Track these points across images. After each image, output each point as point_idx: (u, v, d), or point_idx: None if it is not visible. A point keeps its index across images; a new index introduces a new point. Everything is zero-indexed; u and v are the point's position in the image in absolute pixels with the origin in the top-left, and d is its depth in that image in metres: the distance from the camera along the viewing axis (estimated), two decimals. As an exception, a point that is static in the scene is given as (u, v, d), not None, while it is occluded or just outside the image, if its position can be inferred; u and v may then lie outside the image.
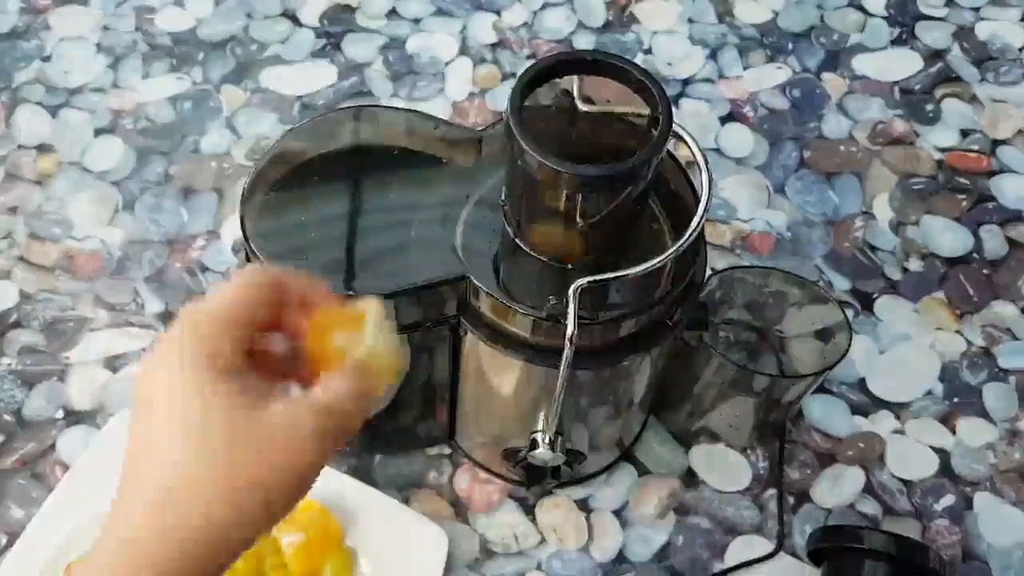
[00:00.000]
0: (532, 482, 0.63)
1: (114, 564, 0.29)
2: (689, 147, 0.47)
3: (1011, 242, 0.80)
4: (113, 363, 0.70)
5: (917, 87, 0.89)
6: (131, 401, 0.30)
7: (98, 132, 0.83)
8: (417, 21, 0.92)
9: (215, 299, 0.31)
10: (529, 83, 0.45)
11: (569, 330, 0.45)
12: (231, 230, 0.77)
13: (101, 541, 0.30)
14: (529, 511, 0.66)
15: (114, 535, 0.30)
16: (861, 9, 0.95)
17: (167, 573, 0.29)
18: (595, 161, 0.47)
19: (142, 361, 0.31)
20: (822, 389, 0.71)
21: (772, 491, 0.67)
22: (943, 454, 0.69)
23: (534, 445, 0.56)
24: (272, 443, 0.29)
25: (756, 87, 0.89)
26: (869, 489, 0.67)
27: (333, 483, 0.62)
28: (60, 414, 0.68)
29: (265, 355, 0.33)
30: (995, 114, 0.88)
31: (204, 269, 0.75)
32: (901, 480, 0.68)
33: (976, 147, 0.85)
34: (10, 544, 0.61)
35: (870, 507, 0.66)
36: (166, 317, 0.73)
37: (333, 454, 0.31)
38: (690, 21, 0.94)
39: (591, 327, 0.48)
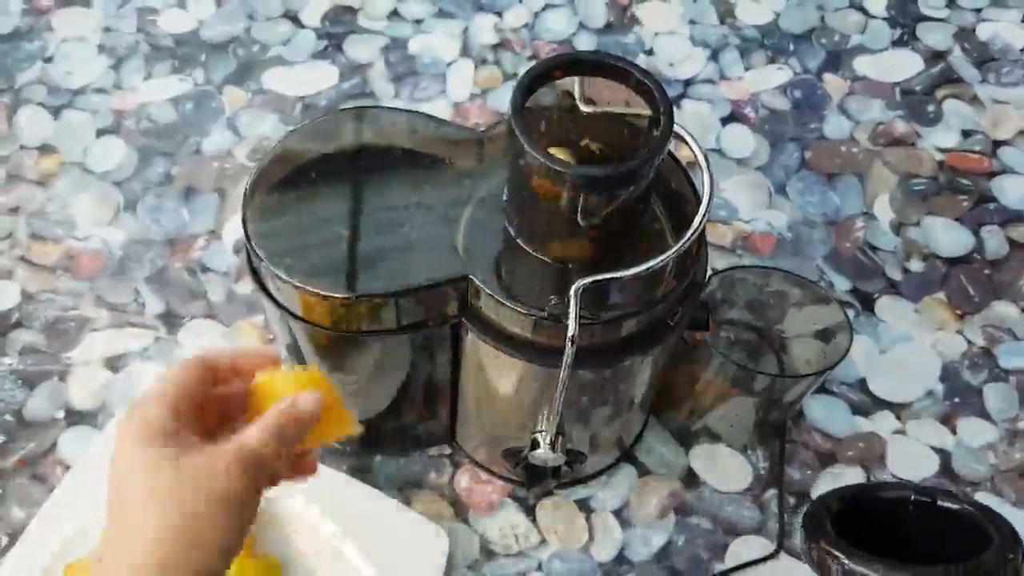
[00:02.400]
0: (533, 482, 0.63)
1: None
2: (690, 148, 0.47)
3: (1012, 242, 0.80)
4: (114, 363, 0.70)
5: (918, 88, 0.90)
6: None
7: (100, 133, 0.83)
8: (419, 22, 0.92)
9: (153, 388, 0.39)
10: (530, 84, 0.45)
11: (570, 330, 0.45)
12: (232, 230, 0.77)
13: None
14: (530, 511, 0.66)
15: None
16: (862, 10, 0.96)
17: None
18: (596, 162, 0.47)
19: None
20: (823, 389, 0.71)
21: (773, 491, 0.67)
22: (944, 454, 0.69)
23: (535, 445, 0.56)
24: (195, 477, 0.36)
25: (757, 88, 0.89)
26: (870, 489, 0.67)
27: (333, 483, 0.62)
28: (61, 414, 0.68)
29: (228, 404, 0.42)
30: (996, 115, 0.88)
31: (205, 269, 0.75)
32: (902, 480, 0.68)
33: (977, 148, 0.85)
34: (11, 544, 0.62)
35: (871, 507, 0.66)
36: (167, 317, 0.73)
37: (260, 486, 0.38)
38: (691, 22, 0.94)
39: (592, 327, 0.48)
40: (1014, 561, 0.50)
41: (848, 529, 0.54)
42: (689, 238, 0.46)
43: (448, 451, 0.68)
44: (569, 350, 0.46)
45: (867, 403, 0.71)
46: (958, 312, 0.76)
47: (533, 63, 0.47)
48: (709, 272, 0.56)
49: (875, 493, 0.57)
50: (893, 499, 0.56)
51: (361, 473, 0.66)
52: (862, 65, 0.91)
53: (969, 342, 0.74)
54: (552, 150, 0.44)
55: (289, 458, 0.42)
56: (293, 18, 0.92)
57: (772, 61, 0.91)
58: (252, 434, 0.38)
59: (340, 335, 0.51)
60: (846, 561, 0.51)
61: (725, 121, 0.86)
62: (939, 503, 0.55)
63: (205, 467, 0.37)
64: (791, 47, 0.92)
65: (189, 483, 0.36)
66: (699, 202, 0.47)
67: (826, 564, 0.52)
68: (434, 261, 0.49)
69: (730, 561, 0.64)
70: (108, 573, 0.36)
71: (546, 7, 0.94)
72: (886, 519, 0.56)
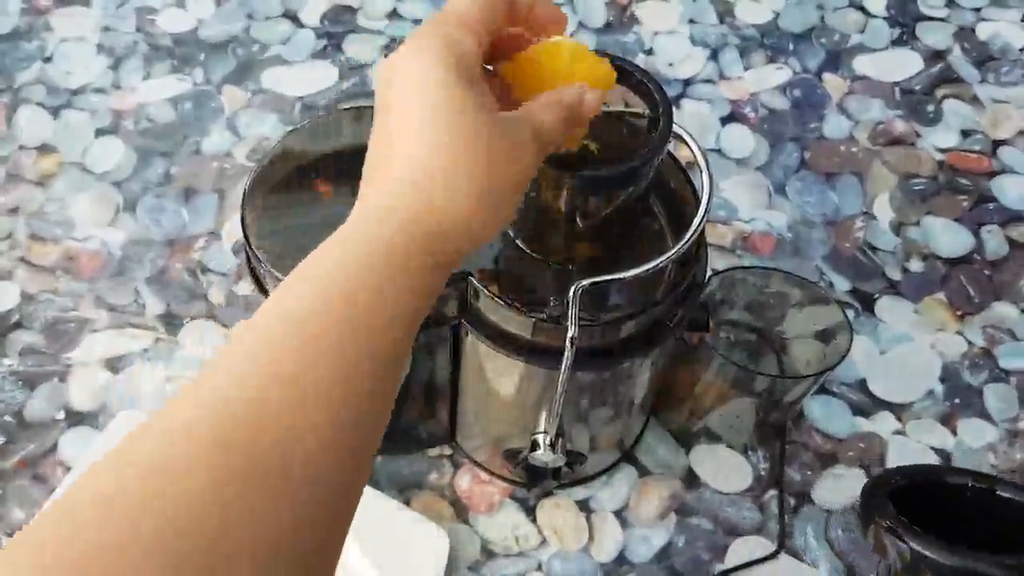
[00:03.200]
0: (533, 483, 0.63)
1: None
2: (690, 148, 0.47)
3: (1012, 243, 0.80)
4: (114, 364, 0.70)
5: (918, 87, 0.89)
6: (377, 94, 0.33)
7: (99, 133, 0.83)
8: (418, 21, 0.92)
9: (459, 4, 0.34)
10: (530, 84, 0.45)
11: (570, 331, 0.45)
12: (232, 231, 0.77)
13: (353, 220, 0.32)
14: (530, 512, 0.66)
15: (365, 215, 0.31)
16: (862, 10, 0.96)
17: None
18: (595, 162, 0.47)
19: (387, 59, 0.33)
20: (823, 390, 0.71)
21: (773, 492, 0.67)
22: (944, 455, 0.69)
23: (535, 446, 0.56)
24: (502, 145, 0.33)
25: (757, 88, 0.89)
26: (870, 490, 0.67)
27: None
28: (61, 415, 0.68)
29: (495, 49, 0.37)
30: (996, 115, 0.88)
31: (205, 270, 0.75)
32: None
33: (977, 148, 0.85)
34: (11, 545, 0.62)
35: (871, 508, 0.66)
36: (167, 318, 0.73)
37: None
38: (691, 22, 0.94)
39: (592, 328, 0.48)
40: None
41: (901, 509, 0.51)
42: (689, 239, 0.46)
43: (448, 451, 0.68)
44: (569, 351, 0.46)
45: (867, 404, 0.71)
46: (958, 313, 0.76)
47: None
48: (709, 273, 0.56)
49: (933, 476, 0.55)
50: (949, 484, 0.54)
51: (361, 474, 0.66)
52: (862, 65, 0.91)
53: (969, 342, 0.74)
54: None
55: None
56: (292, 17, 0.92)
57: (772, 61, 0.91)
58: (549, 119, 0.35)
59: (340, 336, 0.51)
60: (908, 541, 0.49)
61: (724, 121, 0.86)
62: (998, 492, 0.53)
63: (516, 143, 0.33)
64: (791, 47, 0.92)
65: (496, 156, 0.32)
66: (698, 202, 0.47)
67: (882, 542, 0.50)
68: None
69: (730, 562, 0.64)
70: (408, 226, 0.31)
71: (546, 7, 0.94)
72: (939, 503, 0.53)
